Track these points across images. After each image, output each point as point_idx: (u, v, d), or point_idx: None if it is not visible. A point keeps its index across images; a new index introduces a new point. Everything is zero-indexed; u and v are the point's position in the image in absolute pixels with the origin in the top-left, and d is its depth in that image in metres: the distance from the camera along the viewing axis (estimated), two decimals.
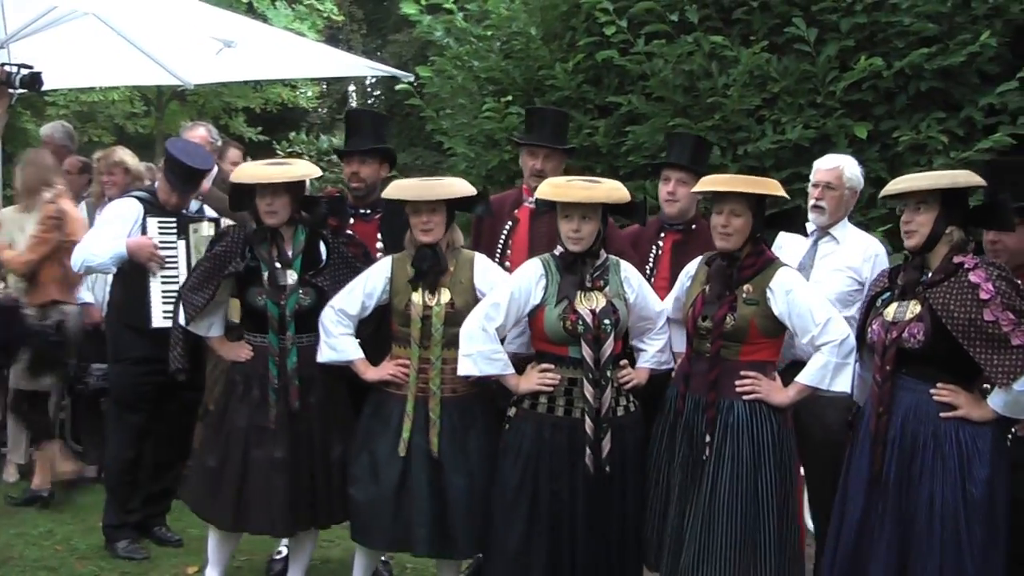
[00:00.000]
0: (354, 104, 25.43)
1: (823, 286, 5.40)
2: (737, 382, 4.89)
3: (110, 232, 6.25)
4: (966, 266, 4.48)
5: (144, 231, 6.24)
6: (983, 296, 4.36)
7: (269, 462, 5.34)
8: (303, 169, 5.58)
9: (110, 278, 7.04)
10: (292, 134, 17.55)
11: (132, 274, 6.14)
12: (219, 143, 7.66)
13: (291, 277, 5.41)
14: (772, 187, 4.99)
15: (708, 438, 4.85)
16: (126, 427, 6.25)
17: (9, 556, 6.31)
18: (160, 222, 6.26)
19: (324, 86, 22.18)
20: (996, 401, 4.42)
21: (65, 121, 10.09)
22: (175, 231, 6.24)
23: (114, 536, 6.41)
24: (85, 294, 7.88)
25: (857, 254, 5.69)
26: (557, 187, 5.08)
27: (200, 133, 7.55)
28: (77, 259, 6.34)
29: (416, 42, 18.96)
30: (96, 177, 8.10)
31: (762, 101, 8.05)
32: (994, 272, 4.43)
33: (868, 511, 4.60)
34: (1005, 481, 4.45)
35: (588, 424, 4.93)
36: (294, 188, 5.45)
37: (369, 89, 25.16)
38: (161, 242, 6.19)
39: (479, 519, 5.16)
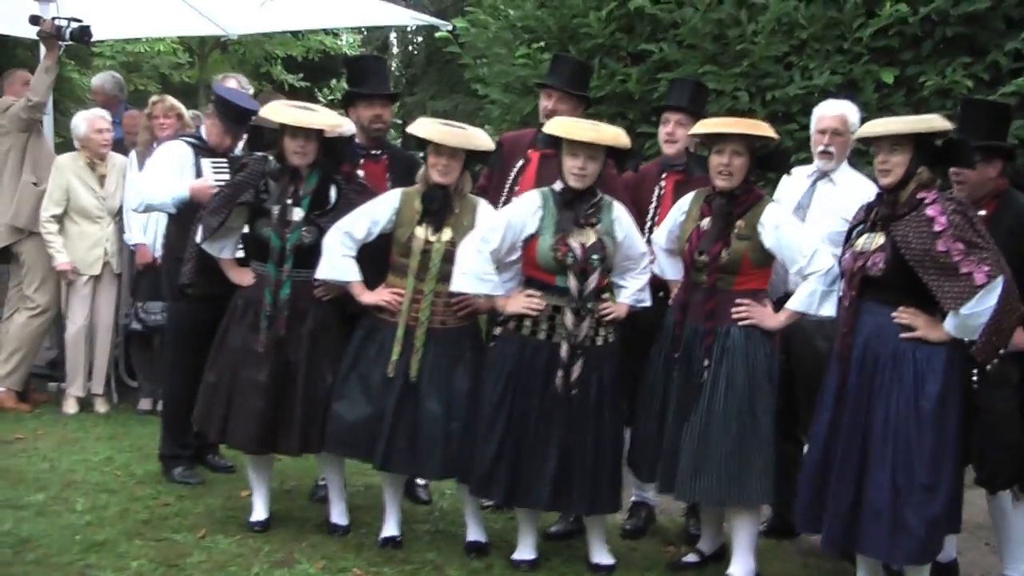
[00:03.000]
0: (395, 51, 25.54)
1: (818, 226, 5.62)
2: (733, 309, 5.20)
3: (166, 172, 6.53)
4: (926, 201, 4.75)
5: (199, 171, 6.51)
6: (937, 228, 4.64)
7: (252, 383, 5.63)
8: (337, 119, 5.89)
9: (162, 220, 7.30)
10: (333, 81, 17.64)
11: (188, 214, 6.35)
12: (250, 91, 7.83)
13: (298, 214, 5.67)
14: (768, 130, 5.29)
15: (706, 362, 5.16)
16: (186, 365, 6.43)
17: (72, 480, 6.62)
18: (214, 163, 6.55)
19: (363, 33, 22.26)
20: (948, 324, 4.71)
21: (114, 72, 10.28)
22: (228, 172, 6.49)
23: (170, 464, 6.71)
24: (136, 235, 8.18)
25: (852, 197, 5.77)
26: (567, 125, 5.35)
27: (231, 85, 7.73)
28: (137, 199, 6.66)
29: None
30: (147, 123, 8.33)
31: (790, 48, 8.17)
32: (950, 206, 4.70)
33: (834, 423, 4.92)
34: (956, 397, 4.75)
35: (564, 349, 5.24)
36: (320, 133, 5.70)
37: (410, 36, 25.23)
38: (216, 181, 6.43)
39: (451, 445, 5.45)
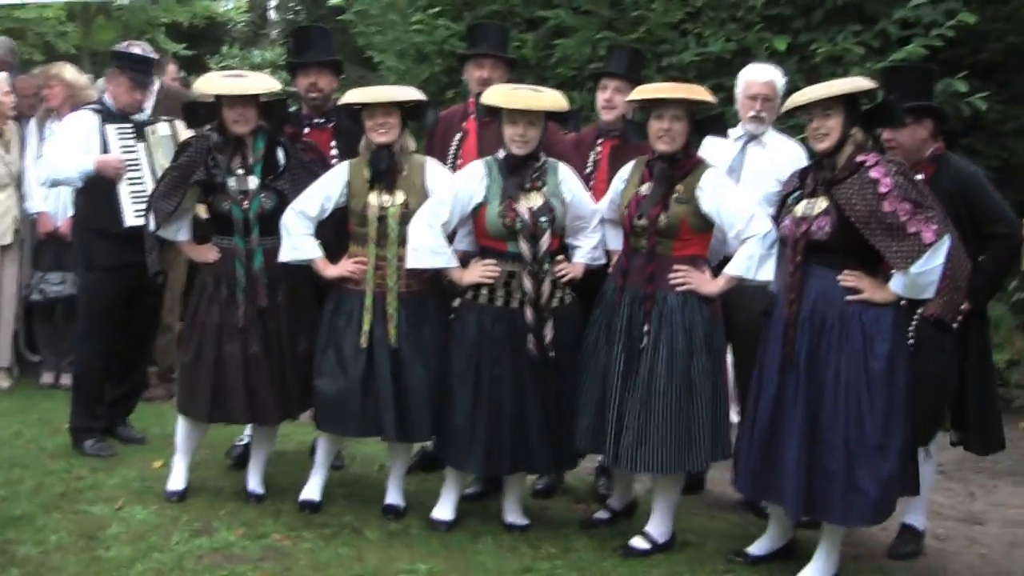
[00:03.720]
0: (274, 17, 25.25)
1: (751, 188, 5.74)
2: (670, 275, 5.26)
3: (72, 143, 6.45)
4: (867, 163, 4.86)
5: (104, 139, 6.44)
6: (882, 190, 4.74)
7: (245, 358, 5.66)
8: (270, 82, 5.95)
9: (64, 190, 7.25)
10: (224, 48, 17.47)
11: (96, 182, 6.34)
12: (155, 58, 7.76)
13: (253, 182, 5.69)
14: (707, 94, 5.37)
15: (646, 327, 5.23)
16: (99, 335, 6.44)
17: None
18: (118, 128, 6.48)
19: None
20: (896, 284, 4.83)
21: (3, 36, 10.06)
22: (133, 135, 6.47)
23: (81, 437, 6.65)
24: (38, 203, 8.08)
25: (783, 158, 5.98)
26: (505, 94, 5.43)
27: (134, 51, 7.67)
28: (43, 174, 6.59)
29: None
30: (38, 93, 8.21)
31: (685, 15, 8.37)
32: (893, 168, 4.82)
33: (782, 388, 4.99)
34: (903, 357, 4.89)
35: (529, 312, 5.34)
36: (257, 98, 5.73)
37: (292, 4, 24.96)
38: (122, 147, 6.41)
39: (435, 405, 5.54)
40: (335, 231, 5.74)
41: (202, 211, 5.91)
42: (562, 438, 5.48)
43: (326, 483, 5.93)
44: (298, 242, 5.59)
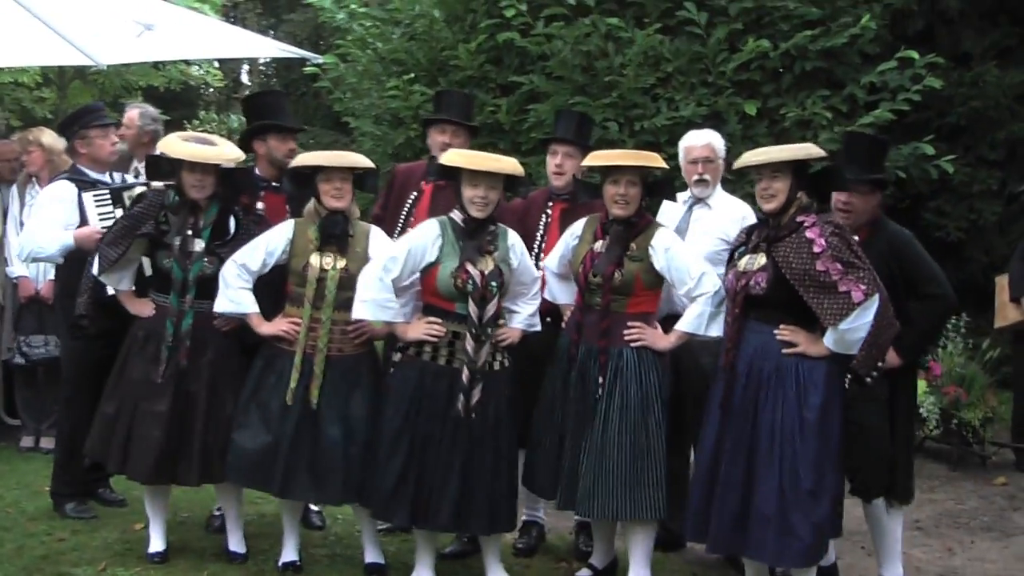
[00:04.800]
0: (246, 81, 25.43)
1: (696, 247, 5.89)
2: (625, 331, 5.44)
3: (51, 217, 6.47)
4: (805, 224, 5.05)
5: (82, 208, 6.47)
6: (816, 250, 4.94)
7: (151, 415, 5.68)
8: (236, 152, 5.99)
9: None
10: (202, 113, 17.59)
11: (77, 252, 6.35)
12: (150, 127, 7.78)
13: (199, 245, 5.75)
14: (659, 161, 5.58)
15: (600, 379, 5.40)
16: (83, 402, 6.40)
17: None
18: (95, 195, 6.51)
19: (215, 65, 22.20)
20: (827, 339, 5.01)
21: None
22: (110, 201, 6.50)
23: (62, 500, 6.67)
24: (18, 268, 8.10)
25: (727, 217, 6.16)
26: (469, 156, 5.55)
27: (133, 113, 7.71)
28: (24, 250, 6.57)
29: (311, 22, 19.06)
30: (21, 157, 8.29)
31: (656, 80, 8.50)
32: (828, 229, 5.01)
33: (720, 436, 5.19)
34: (837, 408, 5.06)
35: (465, 374, 5.41)
36: (218, 166, 5.80)
37: (263, 68, 25.15)
38: (100, 214, 6.44)
39: (352, 470, 5.56)
40: (268, 291, 5.78)
41: (147, 266, 5.96)
42: (499, 501, 5.52)
43: (306, 544, 5.95)
44: (235, 295, 5.62)
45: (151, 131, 7.60)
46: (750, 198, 5.91)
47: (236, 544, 5.99)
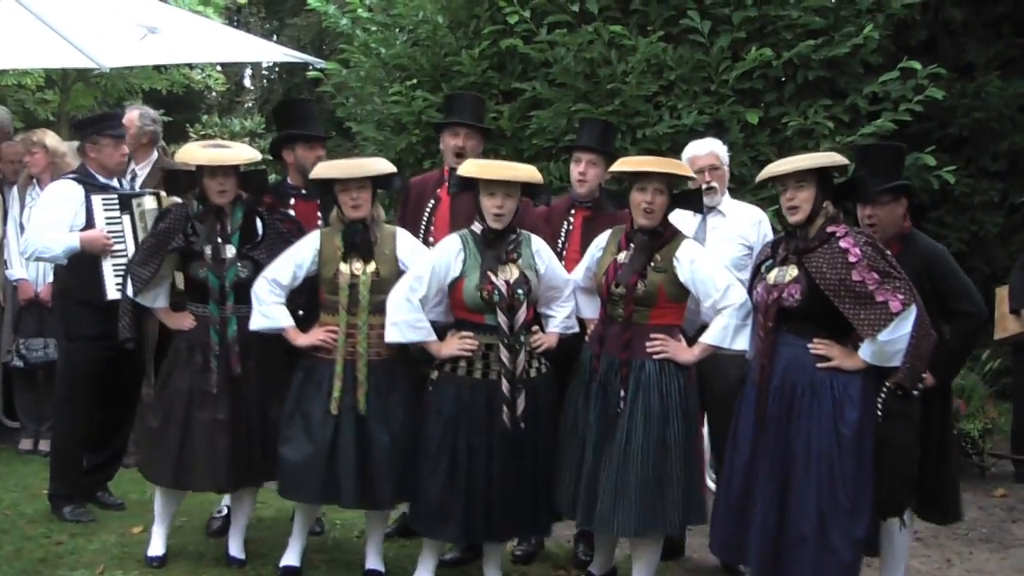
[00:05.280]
0: (248, 85, 25.47)
1: (718, 255, 5.85)
2: (647, 343, 5.35)
3: (57, 216, 6.45)
4: (837, 234, 5.00)
5: (89, 210, 6.45)
6: (851, 259, 4.88)
7: (211, 423, 5.70)
8: (251, 152, 6.01)
9: None
10: (204, 117, 17.61)
11: (80, 255, 6.36)
12: (149, 127, 7.78)
13: (230, 251, 5.76)
14: (688, 170, 5.56)
15: (623, 393, 5.30)
16: (81, 405, 6.48)
17: None
18: (104, 200, 6.48)
19: (217, 68, 22.25)
20: (865, 351, 4.95)
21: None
22: (118, 207, 6.46)
23: (60, 503, 6.67)
24: (18, 270, 8.12)
25: (743, 222, 6.21)
26: (483, 166, 5.53)
27: (134, 115, 7.70)
28: (28, 248, 6.56)
29: (314, 27, 19.11)
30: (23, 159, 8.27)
31: (659, 88, 8.49)
32: (861, 239, 4.97)
33: (754, 452, 5.12)
34: (872, 422, 5.00)
35: (505, 385, 5.39)
36: (238, 168, 5.82)
37: (265, 73, 25.19)
38: (107, 219, 6.42)
39: (401, 473, 5.57)
40: (308, 301, 5.82)
41: (179, 280, 5.96)
42: (538, 506, 5.53)
43: (305, 549, 5.94)
44: (269, 310, 5.63)
45: (150, 132, 7.62)
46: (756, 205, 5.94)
47: (236, 550, 6.00)
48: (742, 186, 7.88)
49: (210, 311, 5.75)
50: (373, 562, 5.88)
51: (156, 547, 5.95)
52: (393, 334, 5.44)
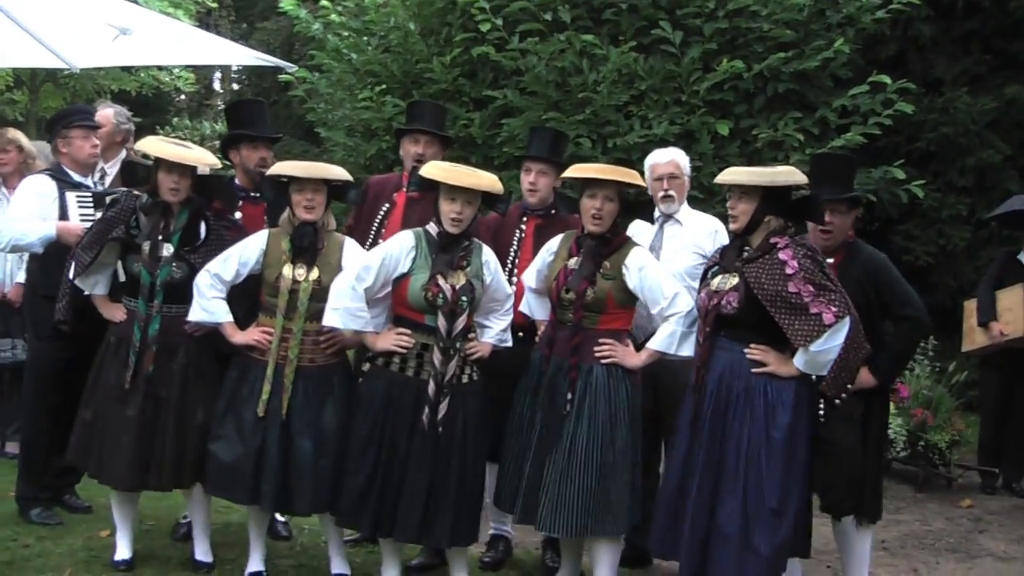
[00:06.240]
0: (218, 88, 25.40)
1: (673, 264, 5.96)
2: (596, 348, 5.44)
3: (32, 210, 6.44)
4: (779, 245, 5.09)
5: (63, 206, 6.45)
6: (788, 271, 4.97)
7: (121, 419, 5.66)
8: (212, 159, 5.99)
9: (11, 256, 7.26)
10: (175, 119, 17.56)
11: (50, 252, 6.35)
12: (125, 125, 7.75)
13: (167, 250, 5.72)
14: (636, 177, 5.61)
15: (570, 396, 5.39)
16: (47, 405, 6.46)
17: None
18: (78, 196, 6.49)
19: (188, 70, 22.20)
20: (798, 360, 5.04)
21: None
22: (92, 204, 6.47)
23: (27, 505, 6.64)
24: None
25: (700, 232, 6.23)
26: (447, 170, 5.51)
27: (107, 112, 7.66)
28: (3, 238, 6.50)
29: (284, 31, 19.07)
30: None
31: (630, 98, 8.52)
32: (800, 251, 5.05)
33: (689, 451, 5.21)
34: (805, 428, 5.09)
35: (431, 387, 5.41)
36: (195, 170, 5.80)
37: (235, 76, 25.12)
38: (81, 215, 6.42)
39: (322, 481, 5.56)
40: (243, 299, 5.79)
41: (120, 270, 5.94)
42: (462, 514, 5.51)
43: (272, 553, 5.93)
44: (209, 304, 5.61)
45: (125, 131, 7.58)
46: (722, 217, 5.96)
47: (202, 553, 5.97)
48: (712, 196, 7.92)
49: (138, 307, 5.71)
50: (338, 566, 5.87)
51: (123, 551, 5.91)
52: (332, 319, 5.42)
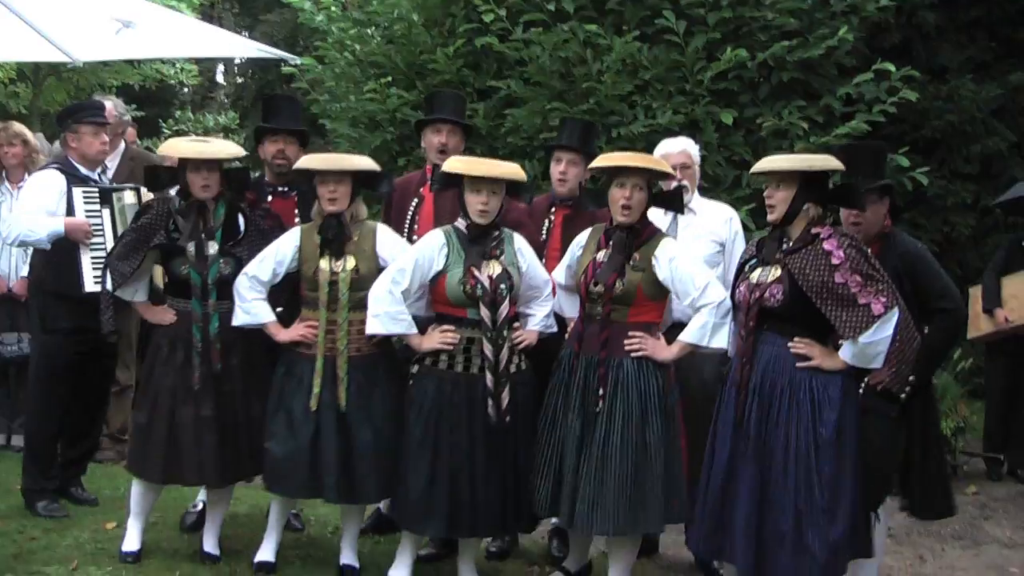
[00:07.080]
0: (221, 81, 25.40)
1: (693, 252, 5.81)
2: (626, 341, 5.34)
3: (40, 204, 6.45)
4: (821, 236, 5.00)
5: (70, 201, 6.45)
6: (834, 261, 4.88)
7: (196, 419, 5.69)
8: (234, 148, 6.04)
9: (15, 250, 7.27)
10: (178, 112, 17.57)
11: (57, 245, 6.37)
12: (126, 117, 7.77)
13: (212, 248, 5.74)
14: (665, 165, 5.52)
15: (601, 392, 5.30)
16: (54, 398, 6.49)
17: None
18: (85, 192, 6.49)
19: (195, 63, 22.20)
20: (846, 352, 4.94)
21: None
22: (98, 200, 6.48)
23: (33, 498, 6.65)
24: None
25: (715, 220, 6.23)
26: (469, 163, 5.54)
27: (107, 105, 7.68)
28: (12, 233, 6.52)
29: (288, 23, 19.06)
30: None
31: (634, 87, 8.49)
32: (845, 241, 4.96)
33: (734, 451, 5.10)
34: (852, 424, 4.99)
35: (489, 378, 5.40)
36: (221, 164, 5.82)
37: (237, 69, 25.11)
38: (87, 211, 6.43)
39: (383, 469, 5.58)
40: (290, 297, 5.82)
41: (159, 276, 5.95)
42: (519, 501, 5.52)
43: (280, 545, 5.94)
44: (250, 306, 5.65)
45: (125, 122, 7.60)
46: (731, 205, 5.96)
47: (211, 546, 5.98)
48: (716, 186, 7.91)
49: (192, 307, 5.73)
50: (348, 557, 5.88)
51: (131, 542, 5.93)
52: (374, 326, 5.44)
